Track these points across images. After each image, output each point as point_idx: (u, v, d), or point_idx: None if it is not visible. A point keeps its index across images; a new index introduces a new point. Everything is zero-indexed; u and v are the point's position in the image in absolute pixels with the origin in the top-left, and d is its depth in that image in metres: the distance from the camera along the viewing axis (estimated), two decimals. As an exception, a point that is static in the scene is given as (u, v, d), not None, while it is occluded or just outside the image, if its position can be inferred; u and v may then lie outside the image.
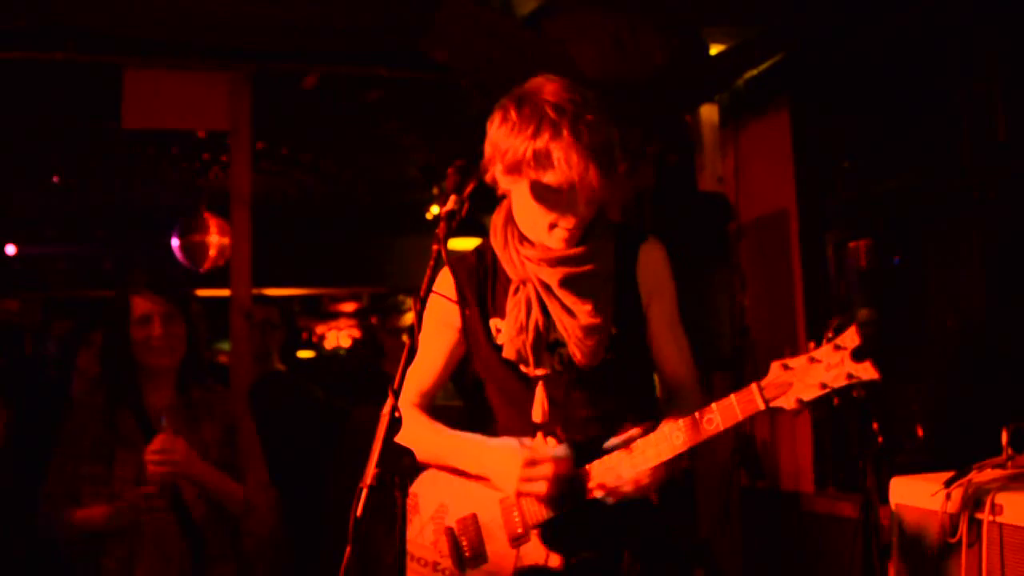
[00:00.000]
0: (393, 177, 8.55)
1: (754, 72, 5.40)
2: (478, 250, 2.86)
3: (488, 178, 2.55)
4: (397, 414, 2.11)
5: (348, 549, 2.03)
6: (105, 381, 3.66)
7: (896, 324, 4.75)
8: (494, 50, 4.86)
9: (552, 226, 2.56)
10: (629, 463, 2.51)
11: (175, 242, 8.06)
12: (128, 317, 3.57)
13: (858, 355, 2.20)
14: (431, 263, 2.30)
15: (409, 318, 5.71)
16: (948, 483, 2.95)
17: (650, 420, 2.60)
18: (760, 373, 2.42)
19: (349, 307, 14.18)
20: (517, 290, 2.70)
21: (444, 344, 2.87)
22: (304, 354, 13.09)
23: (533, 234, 2.63)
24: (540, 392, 2.67)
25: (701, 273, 4.77)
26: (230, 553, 3.66)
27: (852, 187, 5.06)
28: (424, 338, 2.76)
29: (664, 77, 4.91)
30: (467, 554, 2.70)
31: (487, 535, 2.69)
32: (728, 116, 5.76)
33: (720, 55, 5.18)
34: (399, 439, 2.76)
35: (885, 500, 3.22)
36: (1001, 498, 2.77)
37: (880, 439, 3.68)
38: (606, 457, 2.55)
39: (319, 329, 14.41)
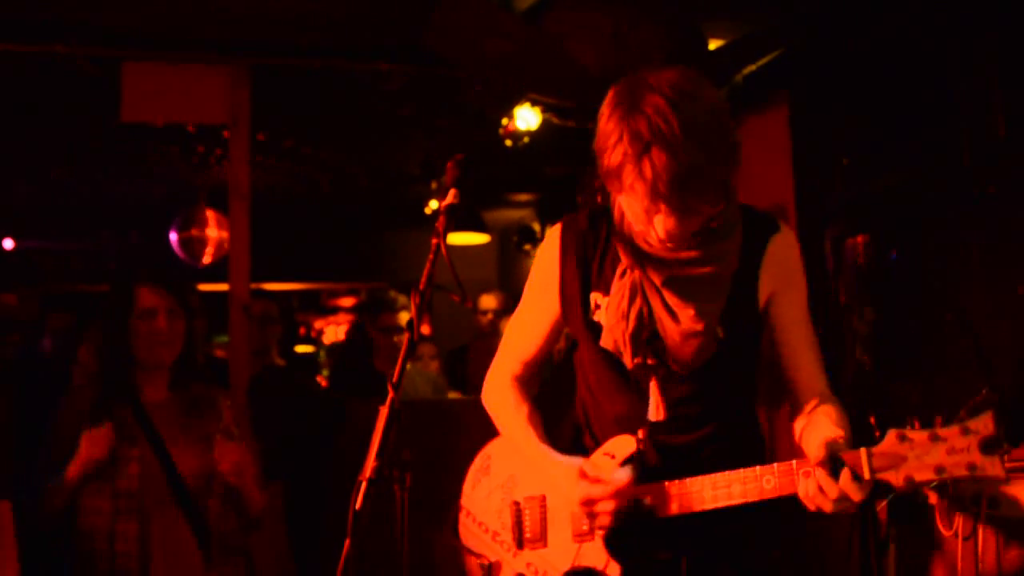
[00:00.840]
0: (392, 172, 8.55)
1: (753, 68, 5.40)
2: (593, 213, 2.65)
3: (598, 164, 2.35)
4: (397, 407, 2.12)
5: (347, 543, 2.04)
6: (102, 373, 3.65)
7: (894, 319, 4.76)
8: (494, 44, 4.86)
9: (646, 225, 2.34)
10: (711, 495, 2.34)
11: (173, 236, 8.07)
12: (131, 309, 3.56)
13: (988, 447, 1.98)
14: (431, 257, 2.29)
15: (403, 318, 5.70)
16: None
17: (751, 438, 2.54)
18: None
19: (348, 302, 14.17)
20: (624, 273, 2.49)
21: (547, 311, 2.71)
22: (303, 348, 13.09)
23: (635, 224, 2.40)
24: (655, 389, 2.49)
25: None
26: (239, 552, 3.67)
27: (851, 184, 5.06)
28: (526, 303, 2.77)
29: (663, 72, 4.90)
30: (527, 534, 2.67)
31: (552, 521, 2.64)
32: (727, 111, 5.76)
33: (719, 50, 5.18)
34: (487, 406, 2.77)
35: (882, 495, 3.23)
36: (996, 491, 2.79)
37: (877, 433, 3.69)
38: (688, 480, 2.39)
39: (317, 324, 14.41)
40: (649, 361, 2.47)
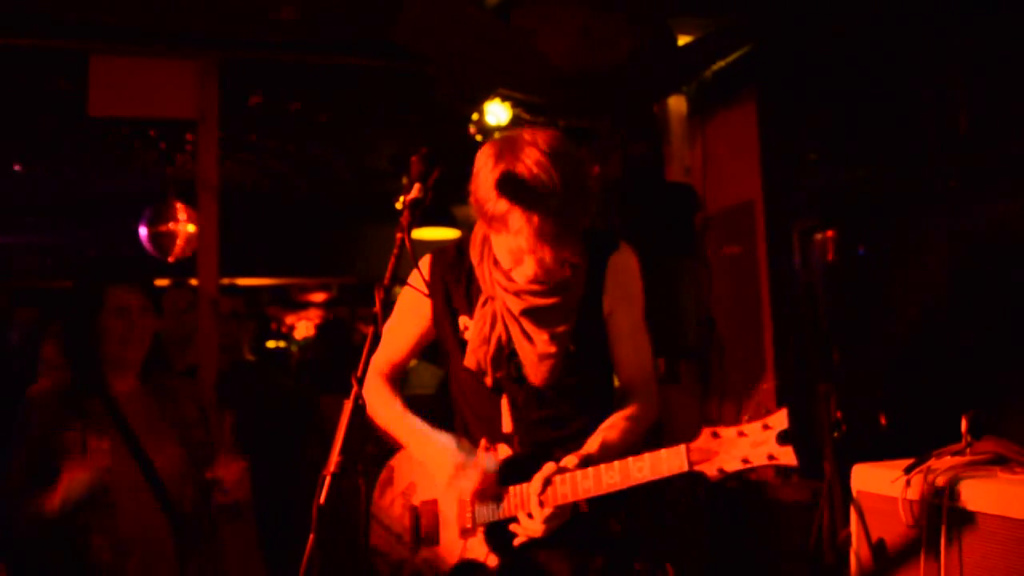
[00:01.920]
0: (363, 167, 8.53)
1: (722, 64, 5.42)
2: (459, 245, 2.90)
3: (475, 209, 2.61)
4: (361, 402, 2.13)
5: (311, 537, 2.04)
6: (71, 369, 3.64)
7: (859, 313, 4.80)
8: (463, 39, 4.87)
9: (517, 264, 2.62)
10: (565, 489, 2.56)
11: (143, 231, 7.99)
12: (102, 306, 3.56)
13: (782, 438, 2.25)
14: (395, 251, 2.30)
15: None
16: (908, 470, 2.99)
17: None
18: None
19: (319, 297, 14.15)
20: (486, 303, 2.77)
21: (415, 328, 2.99)
22: (273, 344, 13.06)
23: (506, 266, 2.67)
24: (505, 405, 2.79)
25: (668, 263, 4.79)
26: (211, 542, 3.68)
27: (818, 178, 5.09)
28: (397, 316, 3.00)
29: (632, 67, 4.93)
30: (423, 534, 2.89)
31: (443, 521, 2.86)
32: (696, 107, 5.78)
33: (688, 46, 5.20)
34: (367, 406, 2.87)
35: (847, 487, 3.26)
36: (960, 484, 2.81)
37: (843, 427, 3.72)
38: (525, 486, 2.63)
39: (288, 319, 14.37)
40: (509, 377, 2.77)
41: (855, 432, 4.18)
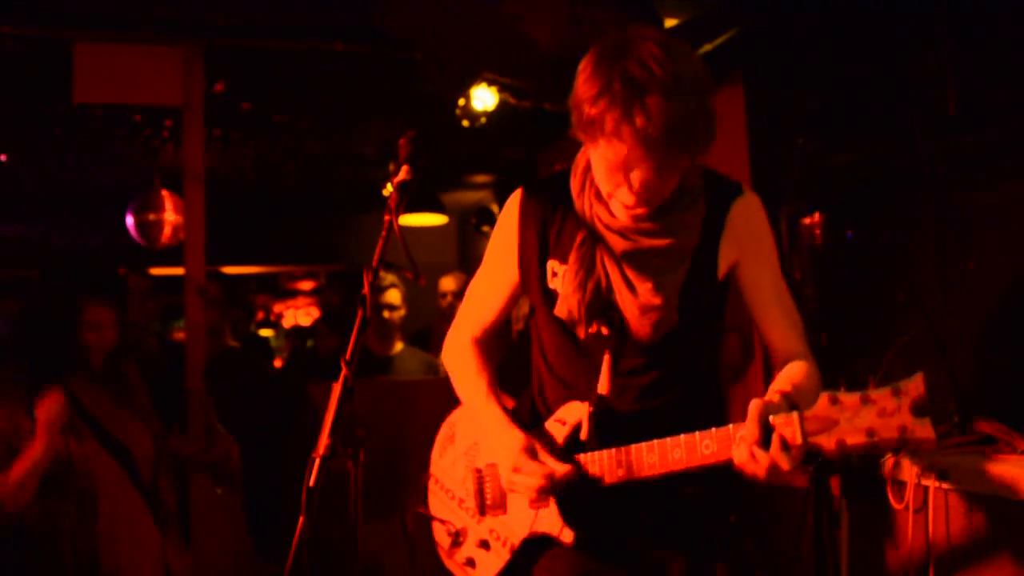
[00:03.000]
0: (350, 154, 8.51)
1: (708, 47, 5.41)
2: (554, 181, 2.62)
3: (576, 135, 2.33)
4: (350, 384, 2.12)
5: (301, 520, 2.04)
6: (36, 371, 3.64)
7: (848, 298, 4.80)
8: (450, 24, 4.85)
9: (617, 185, 2.29)
10: (652, 461, 2.32)
11: (130, 220, 7.97)
12: (79, 321, 3.65)
13: (919, 409, 1.93)
14: (383, 234, 2.29)
15: (392, 295, 5.68)
16: (896, 451, 3.00)
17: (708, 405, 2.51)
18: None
19: (307, 285, 14.11)
20: (584, 242, 2.48)
21: (506, 276, 2.72)
22: (265, 332, 13.05)
23: (605, 191, 2.36)
24: (607, 363, 2.50)
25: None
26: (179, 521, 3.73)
27: (806, 162, 5.09)
28: (485, 268, 2.78)
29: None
30: (488, 501, 2.72)
31: None
32: (683, 91, 5.76)
33: (673, 30, 5.19)
34: (450, 368, 2.80)
35: (835, 470, 3.27)
36: (948, 465, 2.82)
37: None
38: (633, 447, 2.37)
39: (276, 307, 14.34)
40: (603, 332, 2.48)
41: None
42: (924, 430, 1.90)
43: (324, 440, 2.07)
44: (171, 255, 7.08)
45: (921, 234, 4.33)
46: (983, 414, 3.05)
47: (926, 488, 2.86)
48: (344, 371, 2.12)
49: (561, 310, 2.51)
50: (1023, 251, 3.78)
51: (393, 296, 5.74)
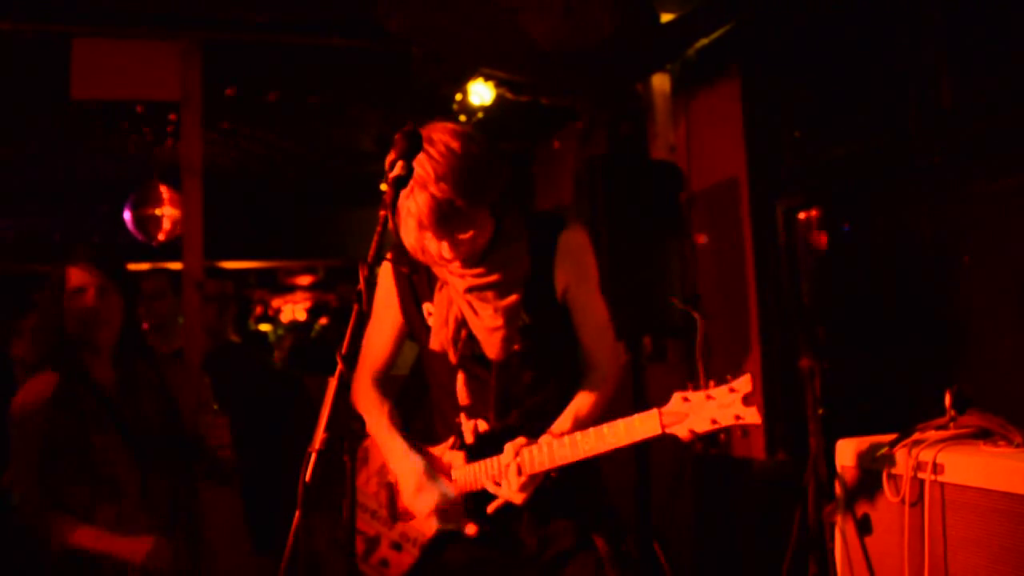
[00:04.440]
0: (348, 149, 8.51)
1: (705, 41, 5.41)
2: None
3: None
4: (346, 378, 2.13)
5: (297, 514, 2.05)
6: (47, 358, 3.59)
7: (844, 292, 4.82)
8: (446, 19, 4.85)
9: (442, 254, 2.74)
10: (542, 457, 2.74)
11: (128, 215, 7.98)
12: (63, 288, 3.52)
13: (747, 400, 2.41)
14: (379, 228, 2.30)
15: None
16: (892, 444, 3.00)
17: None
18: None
19: (305, 280, 14.13)
20: (442, 287, 2.92)
21: (391, 326, 3.14)
22: (264, 327, 13.05)
23: (431, 249, 2.78)
24: (460, 378, 2.93)
25: (653, 241, 4.79)
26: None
27: (802, 155, 5.10)
28: (374, 319, 3.15)
29: (614, 45, 4.92)
30: (400, 508, 3.05)
31: None
32: (679, 85, 5.78)
33: (670, 23, 5.20)
34: (358, 406, 3.12)
35: (831, 463, 3.27)
36: (943, 458, 2.83)
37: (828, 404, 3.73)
38: (525, 449, 2.78)
39: (275, 302, 14.35)
40: (468, 354, 2.90)
41: (840, 408, 4.21)
42: (752, 416, 2.42)
43: (320, 434, 2.08)
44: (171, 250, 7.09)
45: (917, 227, 4.33)
46: (977, 406, 3.05)
47: (922, 481, 2.86)
48: (340, 365, 2.13)
49: (435, 343, 2.94)
50: (1021, 242, 3.79)
51: None
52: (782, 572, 3.46)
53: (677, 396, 2.52)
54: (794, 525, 3.35)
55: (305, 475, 2.05)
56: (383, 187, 2.39)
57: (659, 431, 2.54)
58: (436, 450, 3.03)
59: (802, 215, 5.09)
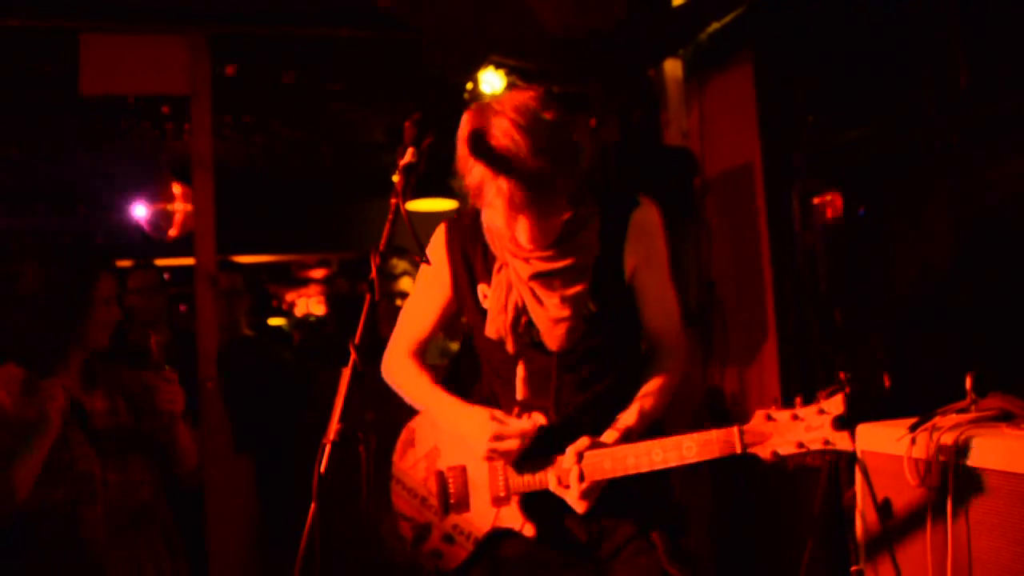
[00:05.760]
0: (359, 140, 8.50)
1: (717, 25, 5.38)
2: (474, 213, 2.86)
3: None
4: (360, 369, 2.12)
5: (313, 506, 2.04)
6: (37, 356, 3.60)
7: (861, 276, 4.78)
8: (455, 6, 4.83)
9: (512, 231, 2.62)
10: (608, 464, 2.62)
11: (140, 211, 7.98)
12: (94, 295, 3.56)
13: (839, 424, 2.28)
14: (390, 217, 2.29)
15: (405, 283, 5.67)
16: (913, 428, 2.97)
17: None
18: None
19: (318, 273, 14.11)
20: (500, 269, 2.77)
21: (437, 300, 2.99)
22: (275, 321, 13.04)
23: (502, 230, 2.67)
24: (520, 370, 2.78)
25: (667, 227, 4.76)
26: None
27: (817, 139, 5.06)
28: (418, 291, 3.04)
29: (625, 30, 4.89)
30: (452, 500, 2.90)
31: (472, 488, 2.89)
32: (692, 70, 5.74)
33: (682, 7, 5.16)
34: (393, 381, 3.02)
35: (851, 448, 3.24)
36: (965, 441, 2.79)
37: (847, 388, 3.69)
38: (588, 452, 2.64)
39: (289, 296, 14.34)
40: (528, 343, 2.77)
41: (859, 393, 4.17)
42: (843, 442, 2.31)
43: (334, 426, 2.08)
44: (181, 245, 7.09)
45: (934, 209, 4.29)
46: (999, 389, 3.02)
47: (944, 465, 2.83)
48: (353, 356, 2.12)
49: (491, 330, 2.80)
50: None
51: (406, 284, 5.73)
52: (803, 558, 3.43)
53: (760, 414, 2.41)
54: (814, 511, 3.32)
55: (320, 467, 2.05)
56: (395, 178, 2.37)
57: (738, 450, 2.43)
58: None
59: (817, 199, 5.04)
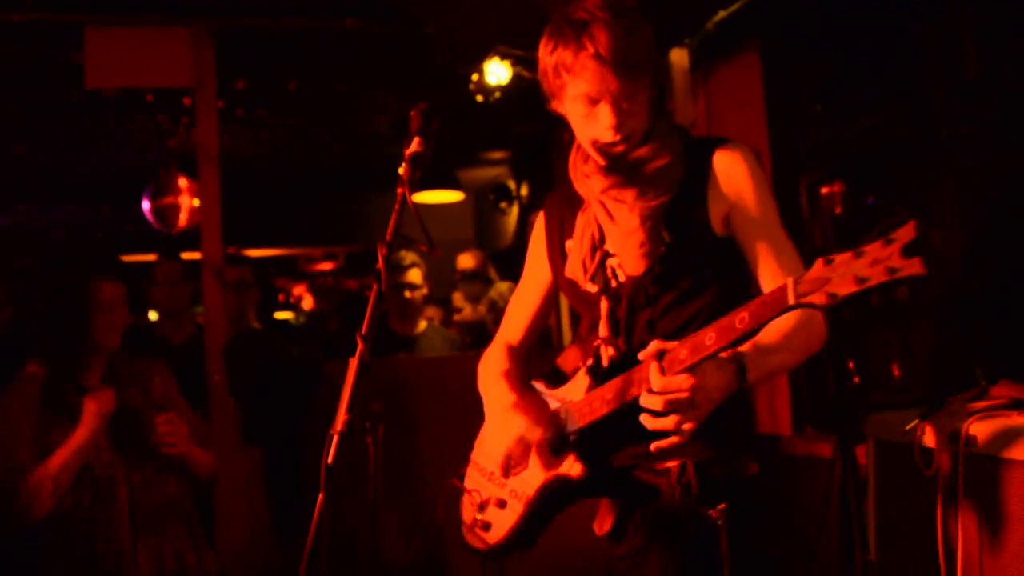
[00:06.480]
0: (365, 132, 8.49)
1: (723, 14, 5.36)
2: (567, 180, 2.79)
3: (553, 107, 2.60)
4: (366, 359, 2.12)
5: (321, 497, 2.04)
6: (55, 358, 3.63)
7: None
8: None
9: (596, 141, 2.53)
10: (660, 371, 2.25)
11: (146, 205, 7.97)
12: (91, 301, 3.61)
13: (910, 250, 1.84)
14: (397, 207, 2.29)
15: (413, 275, 5.67)
16: (923, 417, 2.96)
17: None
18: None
19: (326, 266, 14.12)
20: (585, 209, 2.70)
21: (540, 280, 2.94)
22: (283, 315, 13.04)
23: (587, 141, 2.58)
24: (603, 306, 2.63)
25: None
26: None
27: (824, 129, 5.04)
28: (523, 280, 2.99)
29: (632, 20, 4.85)
30: (512, 462, 2.78)
31: (531, 447, 2.72)
32: (698, 60, 5.72)
33: (689, -3, 5.15)
34: (480, 369, 2.94)
35: (861, 439, 3.23)
36: (975, 429, 2.78)
37: (856, 378, 3.69)
38: (634, 371, 2.37)
39: (296, 290, 14.34)
40: (611, 281, 2.62)
41: (869, 383, 4.17)
42: (914, 267, 1.83)
43: (341, 416, 2.08)
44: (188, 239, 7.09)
45: (943, 197, 4.28)
46: (1011, 376, 3.01)
47: (954, 453, 2.82)
48: (360, 346, 2.12)
49: (570, 271, 2.70)
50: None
51: (414, 276, 5.72)
52: (815, 549, 3.43)
53: (819, 261, 1.98)
54: (825, 501, 3.32)
55: (327, 457, 2.05)
56: (401, 171, 2.36)
57: (791, 301, 1.99)
58: (561, 389, 2.70)
59: (825, 189, 5.03)
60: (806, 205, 5.09)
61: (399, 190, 2.30)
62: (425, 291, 5.81)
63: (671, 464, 2.51)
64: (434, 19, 5.17)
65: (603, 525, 2.60)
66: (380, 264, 2.20)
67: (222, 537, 4.92)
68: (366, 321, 2.16)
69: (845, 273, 1.92)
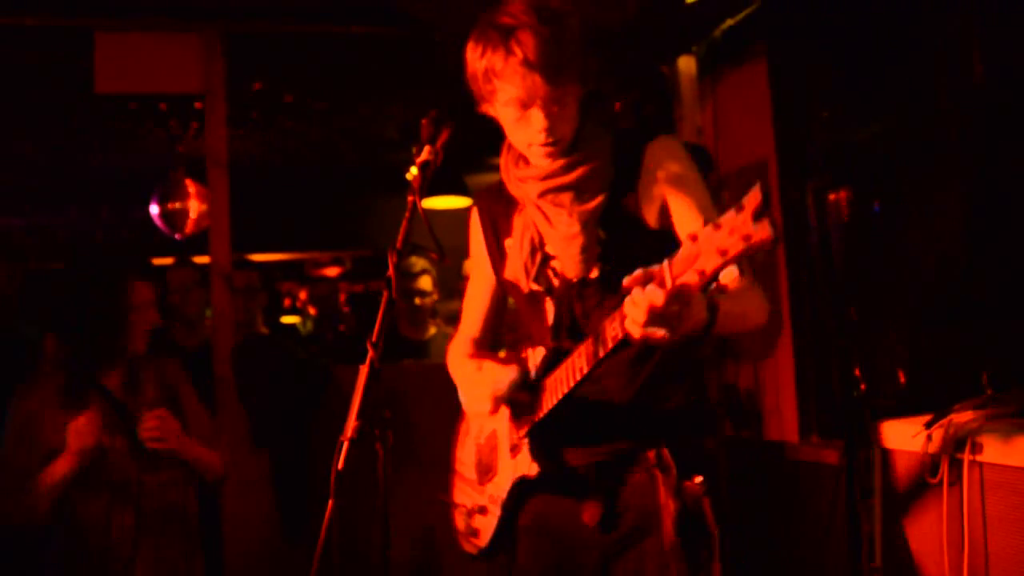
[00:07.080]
0: (373, 138, 8.49)
1: (731, 22, 5.37)
2: (500, 180, 2.81)
3: (483, 111, 2.59)
4: (377, 366, 2.13)
5: (330, 503, 2.05)
6: (70, 361, 3.63)
7: (877, 272, 4.77)
8: (468, 2, 4.82)
9: (530, 144, 2.53)
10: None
11: (154, 209, 7.98)
12: (127, 303, 3.60)
13: (758, 215, 1.81)
14: (407, 215, 2.30)
15: (424, 281, 5.70)
16: (929, 424, 2.97)
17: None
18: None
19: (332, 271, 14.12)
20: (521, 210, 2.72)
21: (486, 280, 2.94)
22: (289, 320, 13.05)
23: (521, 146, 2.60)
24: (549, 307, 2.67)
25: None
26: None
27: (831, 135, 5.05)
28: (471, 281, 2.99)
29: (639, 26, 4.88)
30: (485, 469, 2.84)
31: (499, 449, 2.79)
32: (706, 67, 5.73)
33: (696, 4, 5.14)
34: (450, 367, 2.96)
35: (867, 445, 3.24)
36: (981, 437, 2.79)
37: (862, 385, 3.69)
38: (604, 320, 2.32)
39: (303, 294, 14.35)
40: (553, 282, 2.65)
41: (875, 389, 4.16)
42: (763, 230, 1.81)
43: (352, 423, 2.09)
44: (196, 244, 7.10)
45: (950, 203, 4.28)
46: (1015, 385, 3.01)
47: (960, 461, 2.82)
48: (371, 353, 2.13)
49: (510, 273, 2.74)
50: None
51: (425, 283, 5.75)
52: (821, 556, 3.43)
53: (687, 239, 1.95)
54: (831, 508, 3.32)
55: (337, 464, 2.06)
56: (409, 176, 2.38)
57: (669, 285, 1.96)
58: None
59: (832, 195, 5.03)
60: (813, 211, 5.09)
61: (409, 197, 2.31)
62: (435, 297, 5.85)
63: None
64: (442, 25, 5.17)
65: (592, 516, 2.63)
66: (391, 271, 2.21)
67: (231, 541, 4.93)
68: (376, 328, 2.17)
69: (709, 248, 1.90)
